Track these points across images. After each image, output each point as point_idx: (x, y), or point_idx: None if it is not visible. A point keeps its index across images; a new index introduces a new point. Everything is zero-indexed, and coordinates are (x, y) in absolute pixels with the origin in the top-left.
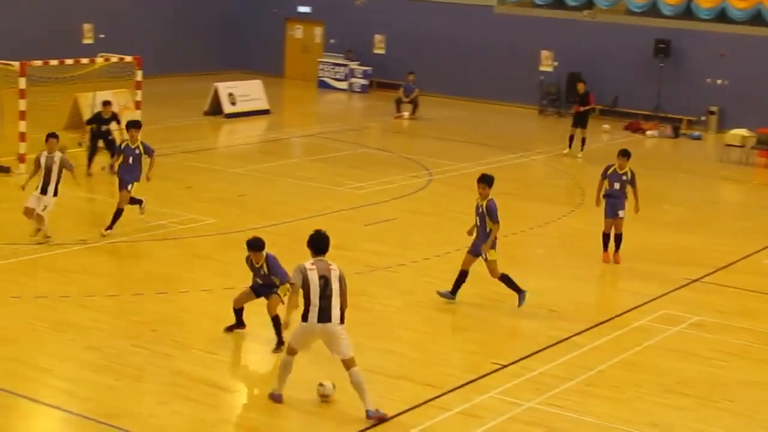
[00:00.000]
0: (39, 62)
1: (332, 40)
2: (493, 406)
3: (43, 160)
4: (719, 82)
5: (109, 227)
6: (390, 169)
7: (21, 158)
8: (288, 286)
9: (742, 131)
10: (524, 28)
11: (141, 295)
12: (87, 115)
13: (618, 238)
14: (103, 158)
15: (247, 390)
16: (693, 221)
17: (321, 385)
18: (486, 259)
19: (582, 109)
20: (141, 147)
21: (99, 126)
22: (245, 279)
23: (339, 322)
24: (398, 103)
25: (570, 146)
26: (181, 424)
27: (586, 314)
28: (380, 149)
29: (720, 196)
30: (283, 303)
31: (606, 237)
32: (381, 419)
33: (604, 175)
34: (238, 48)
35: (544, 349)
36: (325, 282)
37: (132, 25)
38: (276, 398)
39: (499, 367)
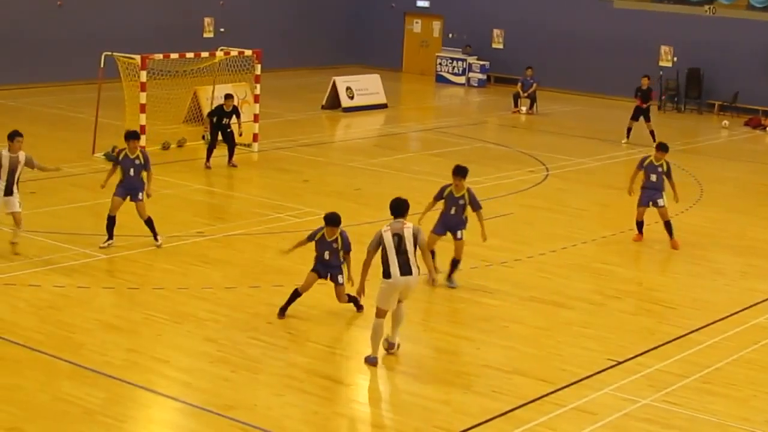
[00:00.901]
0: (159, 56)
1: (451, 35)
2: (607, 403)
3: (5, 161)
4: None
5: (155, 237)
6: (507, 163)
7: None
8: (347, 273)
9: None
10: (644, 23)
11: (258, 288)
12: (206, 108)
13: (668, 226)
14: (221, 151)
15: (362, 383)
16: None
17: (387, 341)
18: (460, 239)
19: (644, 105)
20: (141, 157)
21: (220, 119)
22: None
23: (419, 273)
24: (516, 97)
25: (628, 137)
26: (296, 416)
27: (702, 311)
28: (497, 144)
29: None
30: (352, 284)
31: (639, 224)
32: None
33: (640, 166)
34: (357, 42)
35: (660, 345)
36: (399, 239)
37: (252, 19)
38: (372, 361)
39: (615, 363)
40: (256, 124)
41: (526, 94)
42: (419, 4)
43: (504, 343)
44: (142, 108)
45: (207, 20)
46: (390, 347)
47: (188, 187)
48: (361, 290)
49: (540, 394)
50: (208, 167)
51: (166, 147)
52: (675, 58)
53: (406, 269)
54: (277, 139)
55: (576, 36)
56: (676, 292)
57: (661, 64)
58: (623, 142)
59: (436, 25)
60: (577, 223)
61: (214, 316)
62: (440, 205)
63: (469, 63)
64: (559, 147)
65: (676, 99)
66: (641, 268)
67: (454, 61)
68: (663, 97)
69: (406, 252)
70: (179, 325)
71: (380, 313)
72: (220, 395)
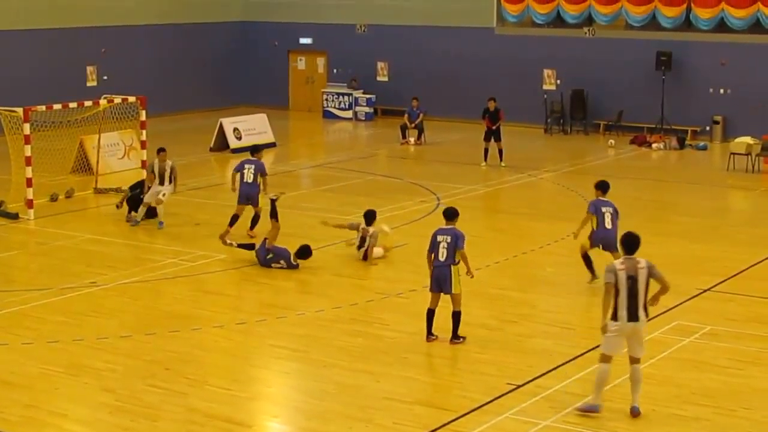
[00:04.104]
0: (42, 107)
1: (336, 70)
2: (509, 427)
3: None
4: (722, 91)
5: None
6: (398, 195)
7: (29, 204)
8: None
9: (747, 139)
10: (525, 48)
11: (154, 335)
12: (93, 157)
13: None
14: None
15: (264, 424)
16: (702, 231)
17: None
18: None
19: (494, 126)
20: None
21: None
22: (257, 313)
23: (645, 319)
24: (403, 129)
25: (486, 159)
26: None
27: (598, 330)
28: (387, 176)
29: (728, 204)
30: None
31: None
32: (636, 415)
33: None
34: (242, 82)
35: (559, 366)
36: (632, 282)
37: (135, 65)
38: (591, 409)
39: (514, 387)
40: (144, 170)
41: (413, 125)
42: (302, 41)
43: (404, 374)
44: (28, 161)
45: (90, 69)
46: (633, 412)
47: (79, 237)
48: (604, 329)
49: (441, 422)
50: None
51: (54, 198)
52: (558, 81)
53: (633, 315)
54: None
55: (460, 64)
56: (572, 313)
57: (545, 87)
58: (482, 164)
59: (321, 61)
60: (470, 250)
61: (111, 365)
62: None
63: (356, 97)
64: (449, 175)
65: (561, 121)
66: (536, 290)
67: (341, 96)
68: (548, 120)
69: (637, 296)
70: (76, 378)
71: (604, 359)
72: None
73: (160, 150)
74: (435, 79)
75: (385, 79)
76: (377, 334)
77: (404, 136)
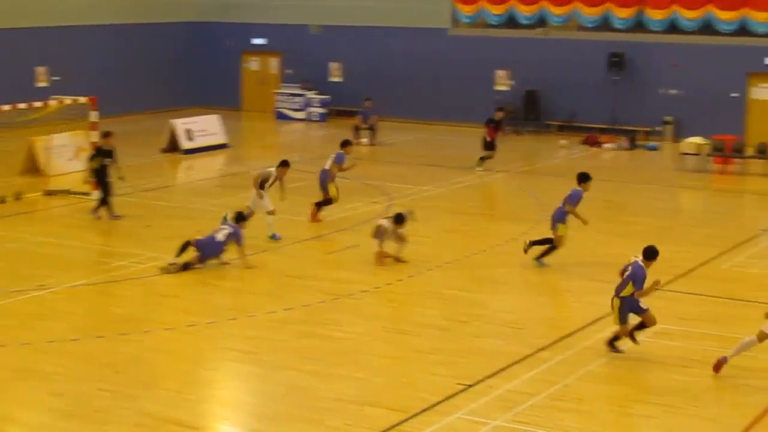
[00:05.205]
0: None
1: (289, 71)
2: (460, 427)
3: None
4: (673, 92)
5: None
6: (351, 196)
7: None
8: None
9: (698, 139)
10: (479, 49)
11: (103, 338)
12: (43, 159)
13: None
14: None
15: (215, 427)
16: (652, 231)
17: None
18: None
19: (496, 136)
20: None
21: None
22: (208, 315)
23: None
24: (356, 129)
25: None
26: None
27: (550, 329)
28: (340, 177)
29: (678, 204)
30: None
31: None
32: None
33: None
34: (195, 83)
35: (510, 366)
36: None
37: (87, 66)
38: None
39: (465, 387)
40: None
41: (366, 126)
42: (255, 41)
43: (355, 375)
44: None
45: (39, 69)
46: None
47: (28, 239)
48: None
49: (392, 423)
50: (97, 216)
51: (2, 200)
52: (512, 82)
53: None
54: (118, 185)
55: (414, 65)
56: (523, 312)
57: (498, 88)
58: (480, 169)
59: (274, 62)
60: (421, 250)
61: (59, 369)
62: None
63: (309, 98)
64: (402, 176)
65: (514, 122)
66: (487, 290)
67: (294, 97)
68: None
69: None
70: (24, 382)
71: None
72: None
73: (286, 163)
74: (388, 79)
75: (339, 79)
76: (328, 336)
77: (357, 137)
